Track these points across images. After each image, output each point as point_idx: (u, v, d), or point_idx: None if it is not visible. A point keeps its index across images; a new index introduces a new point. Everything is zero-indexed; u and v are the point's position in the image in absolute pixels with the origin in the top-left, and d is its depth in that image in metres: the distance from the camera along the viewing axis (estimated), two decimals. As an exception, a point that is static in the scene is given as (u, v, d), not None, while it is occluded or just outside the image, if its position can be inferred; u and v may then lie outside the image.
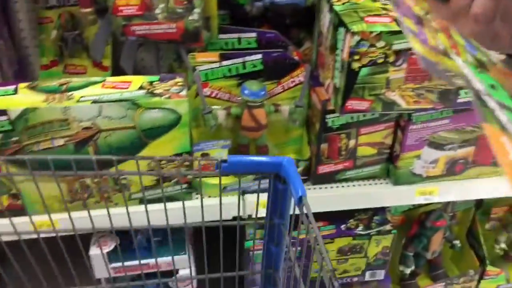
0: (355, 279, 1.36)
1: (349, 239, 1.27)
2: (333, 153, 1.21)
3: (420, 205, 1.50)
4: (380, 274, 1.36)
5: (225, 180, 1.21)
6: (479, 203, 1.56)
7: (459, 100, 1.10)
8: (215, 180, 1.20)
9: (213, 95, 1.16)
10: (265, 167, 0.79)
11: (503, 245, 1.55)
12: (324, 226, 1.28)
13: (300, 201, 0.71)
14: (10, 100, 0.99)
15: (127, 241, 1.28)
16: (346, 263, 1.32)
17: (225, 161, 0.78)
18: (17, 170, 1.03)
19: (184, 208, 0.91)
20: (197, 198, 1.22)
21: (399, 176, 1.25)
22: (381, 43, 0.98)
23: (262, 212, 1.21)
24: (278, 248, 0.89)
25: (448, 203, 1.53)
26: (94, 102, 1.01)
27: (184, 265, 1.28)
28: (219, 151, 1.18)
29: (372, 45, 0.98)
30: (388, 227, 1.29)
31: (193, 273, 1.29)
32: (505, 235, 1.55)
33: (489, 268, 1.56)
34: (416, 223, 1.48)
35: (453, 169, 1.26)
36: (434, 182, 1.28)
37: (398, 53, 1.00)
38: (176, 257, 1.26)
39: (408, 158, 1.22)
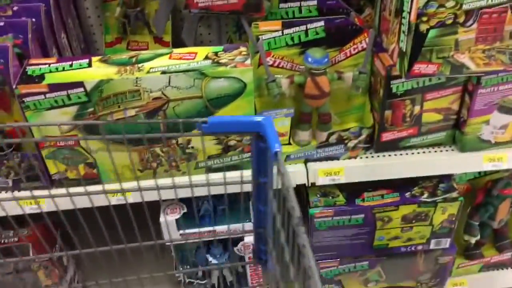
0: (420, 247, 1.35)
1: (413, 207, 1.26)
2: (397, 120, 1.20)
3: (486, 173, 1.46)
4: (446, 243, 1.35)
5: (288, 149, 1.22)
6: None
7: (532, 61, 1.06)
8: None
9: (276, 64, 1.17)
10: (245, 126, 0.79)
11: None
12: (388, 194, 1.27)
13: (275, 156, 0.72)
14: (85, 72, 1.04)
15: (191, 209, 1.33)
16: (410, 231, 1.31)
17: (205, 121, 0.78)
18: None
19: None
20: (261, 166, 1.23)
21: (466, 143, 1.22)
22: (450, 3, 0.95)
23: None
24: (266, 207, 0.88)
25: (515, 171, 1.49)
26: (163, 72, 1.04)
27: (250, 231, 1.31)
28: (282, 120, 1.19)
29: (441, 5, 0.95)
30: (454, 194, 1.27)
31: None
32: None
33: (560, 238, 1.51)
34: (482, 191, 1.45)
35: (524, 134, 1.22)
36: (503, 148, 1.24)
37: (468, 13, 0.97)
38: (242, 225, 1.30)
39: (476, 123, 1.19)
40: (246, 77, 1.07)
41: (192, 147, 1.16)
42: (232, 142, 1.17)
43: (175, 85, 1.06)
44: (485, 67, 1.06)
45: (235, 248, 1.33)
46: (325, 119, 1.21)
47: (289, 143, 1.24)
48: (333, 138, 1.21)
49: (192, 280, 1.39)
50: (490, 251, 1.56)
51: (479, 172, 1.46)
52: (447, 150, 1.26)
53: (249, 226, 1.30)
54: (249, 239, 1.32)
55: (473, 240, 1.47)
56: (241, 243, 1.32)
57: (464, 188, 1.48)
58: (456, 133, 1.25)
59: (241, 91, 1.09)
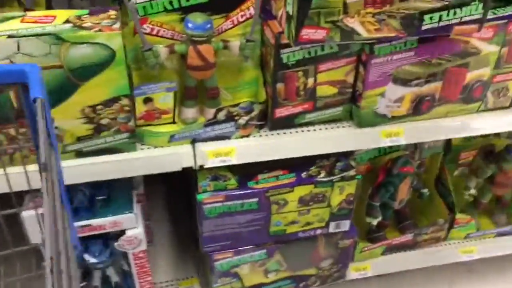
0: (319, 231, 1.27)
1: (310, 187, 1.17)
2: (291, 94, 1.11)
3: (386, 152, 1.42)
4: (345, 225, 1.28)
5: (172, 128, 1.09)
6: (447, 148, 1.49)
7: (423, 27, 1.00)
8: (159, 128, 1.09)
9: (154, 32, 1.03)
10: (8, 76, 0.67)
11: (472, 191, 1.49)
12: (284, 175, 1.18)
13: (34, 104, 0.61)
14: None
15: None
16: (308, 214, 1.22)
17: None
18: None
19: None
20: (142, 149, 1.10)
21: (362, 118, 1.15)
22: (336, -42, 0.87)
23: (216, 162, 1.11)
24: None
25: (415, 149, 1.45)
26: (10, 37, 0.88)
27: (132, 224, 1.17)
28: (164, 95, 1.06)
29: (326, -40, 0.86)
30: (352, 172, 1.20)
31: (142, 233, 1.19)
32: (474, 181, 1.48)
33: (459, 216, 1.50)
34: (382, 171, 1.40)
35: (419, 108, 1.18)
36: (400, 123, 1.19)
37: (355, -30, 0.89)
38: (122, 216, 1.15)
39: (371, 96, 1.13)
40: (114, 43, 0.92)
41: (56, 127, 1.00)
42: (104, 121, 1.02)
43: (27, 51, 0.89)
44: (376, 33, 0.99)
45: (115, 244, 1.18)
46: (213, 94, 1.09)
47: (174, 122, 1.10)
48: (221, 115, 1.10)
49: (70, 283, 1.21)
50: (393, 234, 1.52)
51: (379, 151, 1.41)
52: (344, 126, 1.19)
53: (131, 218, 1.15)
54: (133, 232, 1.17)
55: (374, 222, 1.42)
56: (122, 237, 1.17)
57: (365, 168, 1.43)
58: (353, 108, 1.18)
59: (109, 59, 0.94)
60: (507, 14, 1.10)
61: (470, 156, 1.51)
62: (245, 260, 1.27)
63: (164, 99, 1.07)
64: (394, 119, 1.18)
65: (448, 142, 1.47)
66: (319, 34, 0.96)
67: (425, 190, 1.48)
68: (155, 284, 1.43)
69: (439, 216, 1.50)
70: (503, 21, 1.10)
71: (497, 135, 1.50)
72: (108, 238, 1.20)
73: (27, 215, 1.07)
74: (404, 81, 1.12)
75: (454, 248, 1.55)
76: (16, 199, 0.96)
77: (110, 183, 1.21)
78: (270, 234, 1.24)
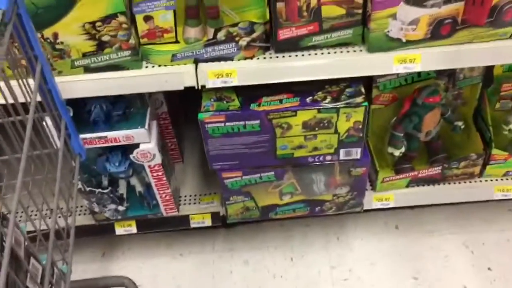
0: (328, 157, 1.25)
1: (313, 113, 1.15)
2: (293, 14, 1.06)
3: (413, 81, 1.33)
4: (356, 153, 1.25)
5: (174, 47, 1.11)
6: (488, 79, 1.37)
7: None
8: (162, 47, 1.11)
9: None
10: None
11: (512, 126, 1.37)
12: (288, 99, 1.16)
13: None
14: None
15: (83, 113, 1.25)
16: (315, 139, 1.21)
17: None
18: None
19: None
20: (146, 66, 1.13)
21: (373, 41, 1.09)
22: None
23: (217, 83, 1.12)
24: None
25: (448, 78, 1.35)
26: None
27: (144, 139, 1.23)
28: (163, 13, 1.07)
29: None
30: (359, 99, 1.15)
31: (155, 148, 1.25)
32: (516, 116, 1.36)
33: (495, 151, 1.40)
34: (408, 100, 1.32)
35: (438, 32, 1.08)
36: (417, 48, 1.11)
37: None
38: (134, 131, 1.22)
39: (381, 18, 1.05)
40: (102, -42, 0.94)
41: (62, 42, 1.06)
42: (105, 38, 1.06)
43: (22, -32, 0.94)
44: None
45: (131, 156, 1.25)
46: (212, 13, 1.08)
47: (177, 41, 1.12)
48: (221, 35, 1.09)
49: (94, 189, 1.33)
50: (423, 166, 1.46)
51: (406, 79, 1.33)
52: (354, 51, 1.13)
53: (142, 132, 1.21)
54: (146, 146, 1.24)
55: (396, 153, 1.37)
56: (136, 150, 1.24)
57: (390, 97, 1.36)
58: (364, 31, 1.11)
59: (101, -25, 0.96)
60: None
61: (514, 88, 1.38)
62: (255, 181, 1.30)
63: (164, 17, 1.08)
64: (410, 43, 1.10)
65: (488, 72, 1.35)
66: None
67: (460, 123, 1.39)
68: (180, 197, 1.52)
69: (473, 151, 1.41)
70: None
71: (549, 66, 1.34)
72: (127, 151, 1.28)
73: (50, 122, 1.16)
74: (417, 1, 1.03)
75: (489, 186, 1.46)
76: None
77: (129, 100, 1.28)
78: (277, 157, 1.25)
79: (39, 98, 1.00)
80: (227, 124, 1.16)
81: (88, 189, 1.32)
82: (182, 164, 1.62)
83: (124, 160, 1.30)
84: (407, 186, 1.45)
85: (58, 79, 1.08)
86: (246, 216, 1.41)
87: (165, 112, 1.44)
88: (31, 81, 0.95)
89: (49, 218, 0.93)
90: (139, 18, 1.07)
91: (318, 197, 1.38)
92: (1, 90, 0.89)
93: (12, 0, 0.71)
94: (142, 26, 1.09)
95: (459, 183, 1.47)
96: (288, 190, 1.36)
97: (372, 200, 1.45)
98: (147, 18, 1.08)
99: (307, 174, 1.32)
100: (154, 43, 1.12)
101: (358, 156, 1.26)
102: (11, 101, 0.87)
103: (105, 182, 1.36)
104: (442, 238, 1.60)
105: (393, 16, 1.05)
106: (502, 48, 1.11)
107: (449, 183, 1.47)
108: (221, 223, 1.50)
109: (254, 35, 1.10)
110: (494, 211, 1.64)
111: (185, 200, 1.51)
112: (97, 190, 1.34)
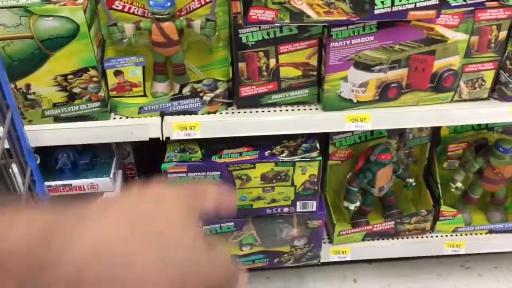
0: (286, 209, 1.31)
1: (271, 165, 1.22)
2: (253, 74, 1.15)
3: (367, 139, 1.43)
4: (312, 206, 1.31)
5: (142, 100, 1.18)
6: (436, 140, 1.47)
7: (376, 11, 1.01)
8: (130, 100, 1.18)
9: (126, 9, 1.12)
10: None
11: (459, 184, 1.45)
12: (247, 152, 1.23)
13: None
14: None
15: (51, 161, 1.29)
16: (272, 191, 1.27)
17: None
18: None
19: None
20: (114, 118, 1.19)
21: (327, 101, 1.18)
22: None
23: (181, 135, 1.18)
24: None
25: (400, 138, 1.45)
26: (-14, 8, 0.99)
27: (108, 188, 1.27)
28: (132, 69, 1.15)
29: None
30: (314, 154, 1.22)
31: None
32: (462, 174, 1.45)
33: (444, 208, 1.48)
34: (362, 157, 1.41)
35: (386, 94, 1.18)
36: (367, 108, 1.20)
37: (295, -47, 0.92)
38: (99, 180, 1.26)
39: (334, 80, 1.15)
40: (76, 17, 1.02)
41: (34, 93, 1.11)
42: (76, 90, 1.12)
43: (1, 22, 1.00)
44: (327, 16, 1.01)
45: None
46: (179, 70, 1.16)
47: (144, 95, 1.19)
48: (186, 91, 1.17)
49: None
50: (378, 220, 1.53)
51: (360, 137, 1.42)
52: (310, 109, 1.22)
53: (107, 181, 1.26)
54: (109, 195, 1.28)
55: (351, 207, 1.44)
56: (99, 199, 1.28)
57: (347, 154, 1.45)
58: (319, 91, 1.21)
59: (74, 33, 1.04)
60: (473, 1, 1.08)
61: (459, 149, 1.48)
62: (215, 230, 1.34)
63: (133, 72, 1.15)
64: (361, 104, 1.19)
65: (436, 132, 1.45)
66: (268, 15, 1.00)
67: (411, 180, 1.47)
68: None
69: (424, 207, 1.49)
70: (469, 8, 1.09)
71: (491, 129, 1.46)
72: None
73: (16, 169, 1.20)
74: (366, 66, 1.13)
75: (440, 241, 1.53)
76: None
77: (96, 149, 1.33)
78: (237, 208, 1.30)
79: (7, 145, 1.05)
80: (189, 174, 1.22)
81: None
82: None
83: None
84: (363, 240, 1.51)
85: (27, 128, 1.12)
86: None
87: (131, 162, 1.49)
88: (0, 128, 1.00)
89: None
90: (109, 73, 1.14)
91: (277, 248, 1.43)
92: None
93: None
94: (112, 80, 1.16)
95: (412, 238, 1.54)
96: (248, 241, 1.40)
97: (329, 252, 1.51)
98: (117, 73, 1.15)
99: (267, 225, 1.38)
100: (123, 96, 1.18)
101: (314, 209, 1.32)
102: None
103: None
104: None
105: (345, 79, 1.15)
106: (444, 111, 1.22)
107: (402, 238, 1.54)
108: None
109: (218, 92, 1.18)
110: (446, 266, 1.70)
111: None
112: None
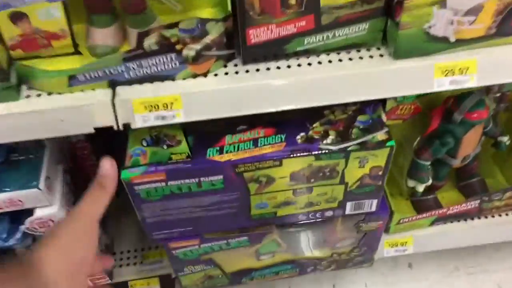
0: (329, 213, 0.84)
1: (308, 160, 0.72)
2: (271, 4, 0.62)
3: (447, 86, 0.91)
4: (370, 206, 0.84)
5: (73, 63, 0.65)
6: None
7: None
8: (51, 64, 0.65)
9: None
10: None
11: None
12: (266, 137, 0.73)
13: None
14: None
15: None
16: (309, 193, 0.79)
17: None
18: None
19: None
20: (27, 96, 0.67)
21: (404, 41, 0.66)
22: None
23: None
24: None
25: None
26: None
27: (40, 201, 0.79)
28: (44, 6, 0.61)
29: None
30: (380, 134, 0.72)
31: (61, 210, 0.81)
32: None
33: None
34: (438, 114, 0.91)
35: (509, 24, 0.66)
36: (472, 50, 0.68)
37: None
38: (21, 192, 0.77)
39: (420, 6, 0.62)
40: None
41: None
42: None
43: None
44: None
45: (21, 227, 0.81)
46: (133, 3, 0.62)
47: (77, 52, 0.66)
48: (150, 42, 0.63)
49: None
50: (450, 194, 1.06)
51: (435, 85, 0.90)
52: (371, 56, 0.70)
53: (36, 194, 0.77)
54: (44, 212, 0.79)
55: (421, 188, 0.97)
56: (29, 219, 0.80)
57: (412, 109, 0.94)
58: (388, 25, 0.68)
59: None
60: None
61: None
62: (219, 247, 0.88)
63: (46, 13, 0.61)
64: (462, 43, 0.67)
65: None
66: None
67: (504, 138, 0.99)
68: (115, 255, 1.09)
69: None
70: None
71: None
72: (20, 216, 0.84)
73: None
74: (485, -23, 0.60)
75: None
76: None
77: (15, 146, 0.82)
78: (252, 218, 0.82)
79: None
80: (171, 183, 0.72)
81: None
82: (115, 203, 1.17)
83: (14, 230, 0.85)
84: (431, 224, 1.06)
85: None
86: (210, 285, 0.99)
87: (82, 140, 0.98)
88: None
89: None
90: (2, 18, 0.61)
91: (309, 255, 0.97)
92: None
93: None
94: (10, 31, 0.62)
95: (500, 216, 1.09)
96: (268, 249, 0.94)
97: (382, 245, 1.06)
98: (17, 16, 0.61)
99: (294, 229, 0.91)
100: (38, 57, 0.66)
101: (373, 209, 0.85)
102: None
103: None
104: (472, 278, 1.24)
105: (441, 3, 0.62)
106: None
107: (486, 217, 1.08)
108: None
109: (208, 39, 0.65)
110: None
111: (121, 259, 1.07)
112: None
